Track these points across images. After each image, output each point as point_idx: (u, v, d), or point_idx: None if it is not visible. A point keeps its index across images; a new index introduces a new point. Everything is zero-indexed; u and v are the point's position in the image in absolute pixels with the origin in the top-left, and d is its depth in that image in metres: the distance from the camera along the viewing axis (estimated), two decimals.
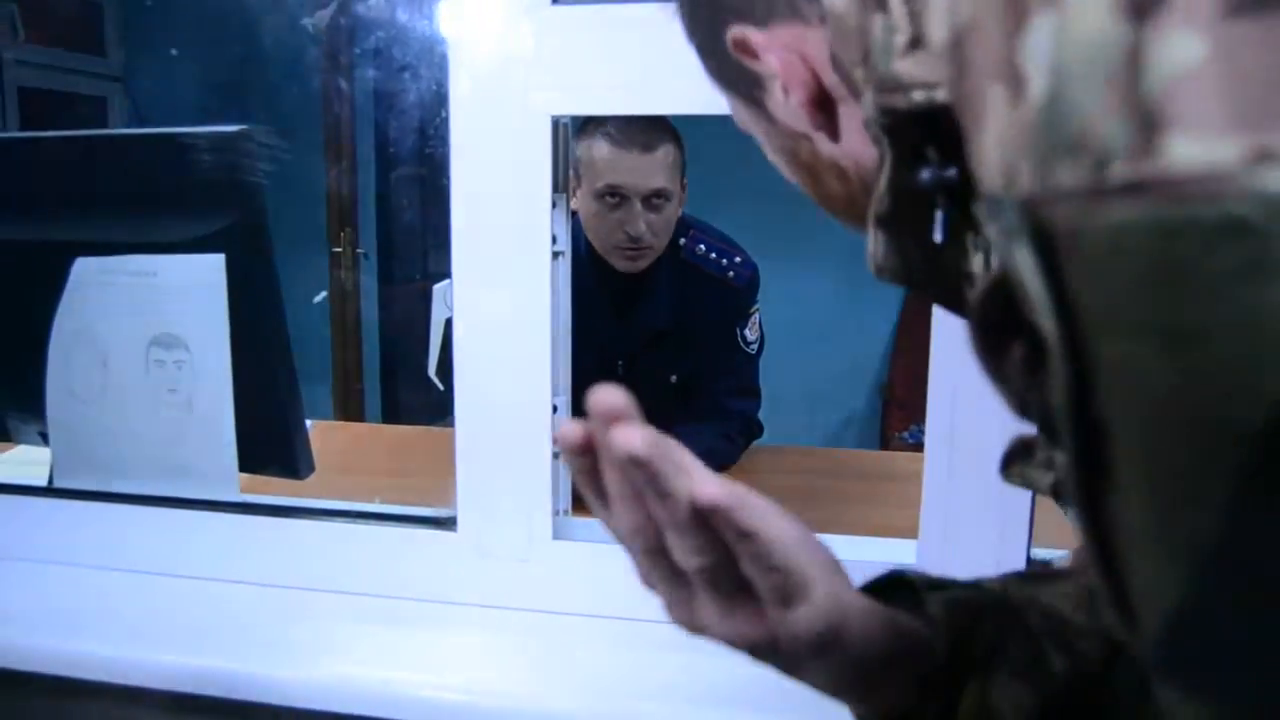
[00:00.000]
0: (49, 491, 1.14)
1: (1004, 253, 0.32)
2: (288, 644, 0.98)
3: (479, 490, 1.04)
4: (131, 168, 1.10)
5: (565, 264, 1.04)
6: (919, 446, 1.32)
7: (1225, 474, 0.26)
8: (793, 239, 2.80)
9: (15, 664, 0.98)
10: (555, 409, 1.04)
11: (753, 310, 1.97)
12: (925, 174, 0.44)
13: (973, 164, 0.36)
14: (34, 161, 1.15)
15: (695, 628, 0.46)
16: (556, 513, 1.04)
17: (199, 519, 1.10)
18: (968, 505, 0.95)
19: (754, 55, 0.51)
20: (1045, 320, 0.30)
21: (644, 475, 0.40)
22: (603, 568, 1.00)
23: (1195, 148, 0.25)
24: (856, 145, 0.51)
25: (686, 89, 0.86)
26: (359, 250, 3.25)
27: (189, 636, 0.99)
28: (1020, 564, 0.95)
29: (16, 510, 1.15)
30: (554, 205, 1.00)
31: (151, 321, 1.07)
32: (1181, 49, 0.26)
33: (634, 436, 0.39)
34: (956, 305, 0.50)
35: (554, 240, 1.00)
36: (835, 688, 0.48)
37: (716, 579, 0.43)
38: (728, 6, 0.52)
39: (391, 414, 2.62)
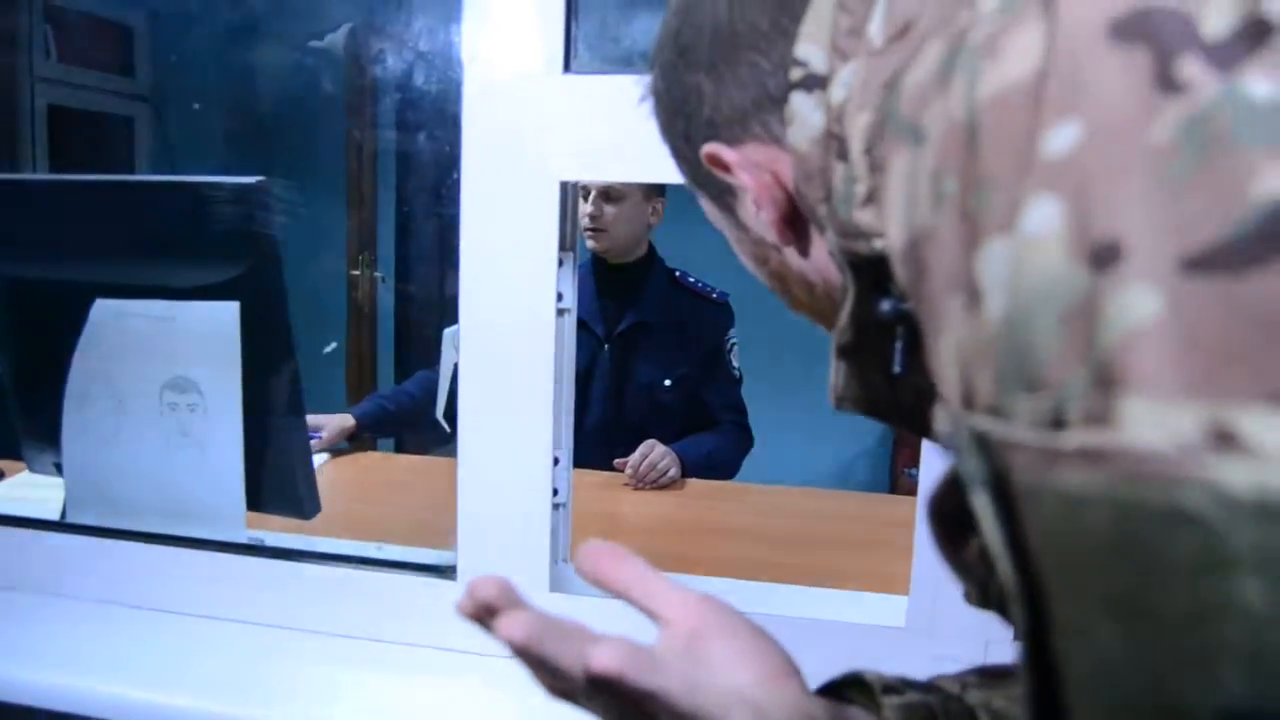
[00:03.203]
0: (61, 526, 1.17)
1: (962, 475, 0.32)
2: (287, 687, 1.00)
3: (479, 539, 1.06)
4: (152, 214, 1.13)
5: (570, 320, 1.07)
6: None
7: None
8: None
9: (20, 698, 1.00)
10: (556, 461, 1.06)
11: (732, 338, 2.29)
12: (885, 305, 0.45)
13: (931, 367, 0.36)
14: (58, 204, 1.18)
15: None
16: (555, 562, 1.06)
17: (205, 559, 1.12)
18: None
19: (727, 170, 0.51)
20: (1002, 566, 0.30)
21: (534, 659, 0.41)
22: (599, 619, 1.01)
23: (1151, 417, 0.25)
24: (824, 263, 0.51)
25: None
26: (378, 275, 3.30)
27: (192, 675, 1.02)
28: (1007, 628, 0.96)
29: (28, 543, 1.18)
30: (560, 264, 1.02)
31: (166, 365, 1.10)
32: (1138, 303, 0.26)
33: (515, 627, 0.40)
34: (918, 429, 0.51)
35: (559, 298, 1.03)
36: None
37: (629, 716, 0.43)
38: (702, 123, 0.53)
39: (402, 442, 2.67)
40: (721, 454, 2.21)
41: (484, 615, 0.41)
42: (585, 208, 2.14)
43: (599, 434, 2.15)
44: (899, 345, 0.46)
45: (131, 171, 3.43)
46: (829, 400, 0.50)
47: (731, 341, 2.29)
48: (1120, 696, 0.28)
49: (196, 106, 3.40)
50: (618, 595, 0.49)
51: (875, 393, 0.49)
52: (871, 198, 0.42)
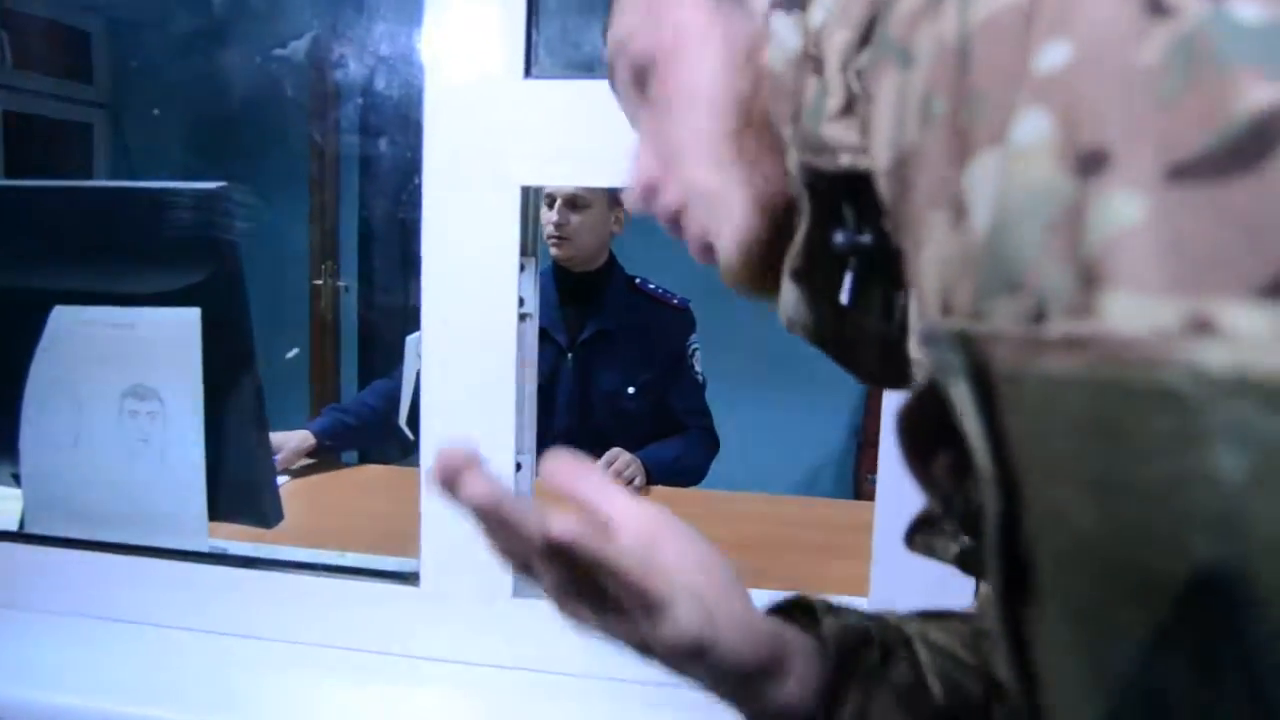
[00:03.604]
0: (19, 536, 1.16)
1: (939, 379, 0.33)
2: (250, 695, 1.00)
3: (442, 544, 1.06)
4: (112, 220, 1.13)
5: (532, 325, 1.07)
6: None
7: (1145, 621, 0.28)
8: None
9: None
10: (519, 466, 1.06)
11: (694, 343, 2.31)
12: (840, 237, 0.46)
13: (910, 282, 0.37)
14: (16, 210, 1.17)
15: (580, 624, 0.49)
16: None
17: (167, 568, 1.12)
18: (917, 563, 0.97)
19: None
20: (979, 455, 0.31)
21: (495, 520, 0.43)
22: (562, 624, 1.02)
23: (1133, 308, 0.27)
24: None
25: None
26: (340, 284, 3.29)
27: (155, 686, 1.01)
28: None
29: None
30: (521, 269, 1.03)
31: (126, 372, 1.09)
32: (1123, 208, 0.27)
33: (478, 489, 0.42)
34: (855, 367, 0.53)
35: (521, 303, 1.03)
36: (716, 690, 0.51)
37: (582, 591, 0.46)
38: None
39: (366, 453, 2.66)
40: (688, 459, 2.23)
41: (452, 481, 0.42)
42: (550, 215, 2.16)
43: (564, 443, 2.14)
44: (850, 276, 0.47)
45: (90, 178, 3.39)
46: (781, 321, 0.52)
47: (693, 347, 2.31)
48: (1093, 571, 0.29)
49: (156, 113, 3.37)
50: (578, 503, 0.53)
51: (822, 322, 0.50)
52: (844, 111, 0.43)
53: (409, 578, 1.07)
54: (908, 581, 0.98)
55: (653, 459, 2.08)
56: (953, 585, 0.96)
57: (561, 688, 1.02)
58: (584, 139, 0.98)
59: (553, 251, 2.21)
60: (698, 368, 2.31)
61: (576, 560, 0.42)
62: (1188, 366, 0.25)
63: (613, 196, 2.22)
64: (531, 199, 1.04)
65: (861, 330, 0.51)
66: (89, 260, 1.13)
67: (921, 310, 0.36)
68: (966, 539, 0.51)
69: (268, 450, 1.14)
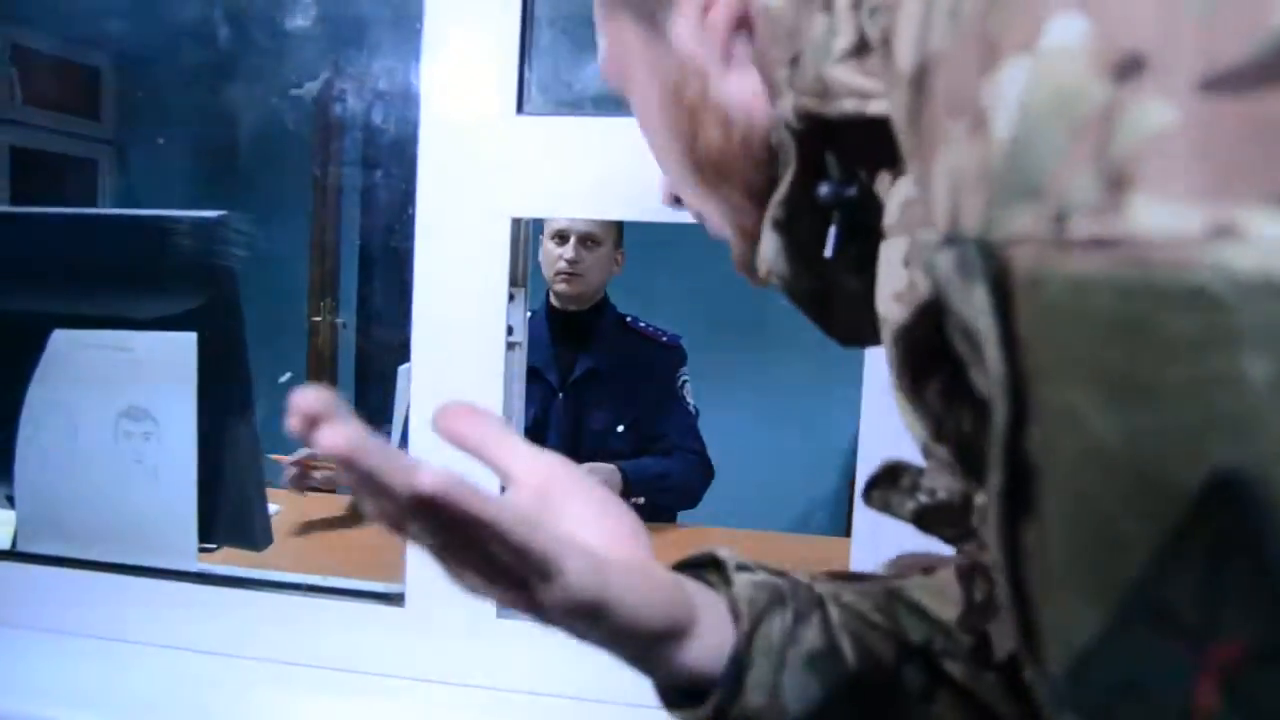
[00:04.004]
0: (12, 555, 1.17)
1: (948, 286, 0.32)
2: (237, 714, 1.01)
3: (427, 566, 1.07)
4: (114, 246, 1.15)
5: (521, 354, 1.10)
6: None
7: (1155, 528, 0.27)
8: (762, 326, 2.88)
9: None
10: (504, 490, 1.08)
11: (684, 374, 2.33)
12: (825, 189, 0.46)
13: (918, 190, 0.36)
14: (21, 236, 1.20)
15: (470, 591, 0.44)
16: None
17: (156, 587, 1.13)
18: None
19: None
20: (991, 357, 0.31)
21: (358, 473, 0.37)
22: (546, 646, 1.04)
23: (1161, 212, 0.26)
24: (749, 100, 0.50)
25: (640, 197, 0.93)
26: (339, 320, 3.31)
27: (143, 703, 1.02)
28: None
29: None
30: (511, 298, 1.05)
31: (122, 394, 1.11)
32: (1155, 114, 0.27)
33: (336, 436, 0.36)
34: (827, 323, 0.52)
35: (510, 331, 1.06)
36: (618, 653, 0.47)
37: (463, 555, 0.42)
38: None
39: None
40: (676, 478, 2.21)
41: (309, 429, 0.37)
42: (563, 251, 2.21)
43: None
44: (833, 230, 0.46)
45: None
46: (760, 271, 0.50)
47: (684, 378, 2.32)
48: (1106, 477, 0.29)
49: (161, 151, 3.41)
50: (470, 452, 0.48)
51: (799, 276, 0.49)
52: (854, 53, 0.42)
53: (394, 599, 1.09)
54: None
55: (635, 470, 2.09)
56: None
57: (546, 708, 1.04)
58: (574, 173, 1.01)
59: (559, 288, 2.24)
60: (689, 399, 2.32)
61: (451, 519, 0.37)
62: (1217, 268, 0.25)
63: (617, 238, 2.27)
64: (522, 231, 1.07)
65: (837, 285, 0.50)
66: (89, 285, 1.15)
67: (929, 221, 0.35)
68: (924, 497, 0.50)
69: (260, 474, 1.16)
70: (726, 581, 0.53)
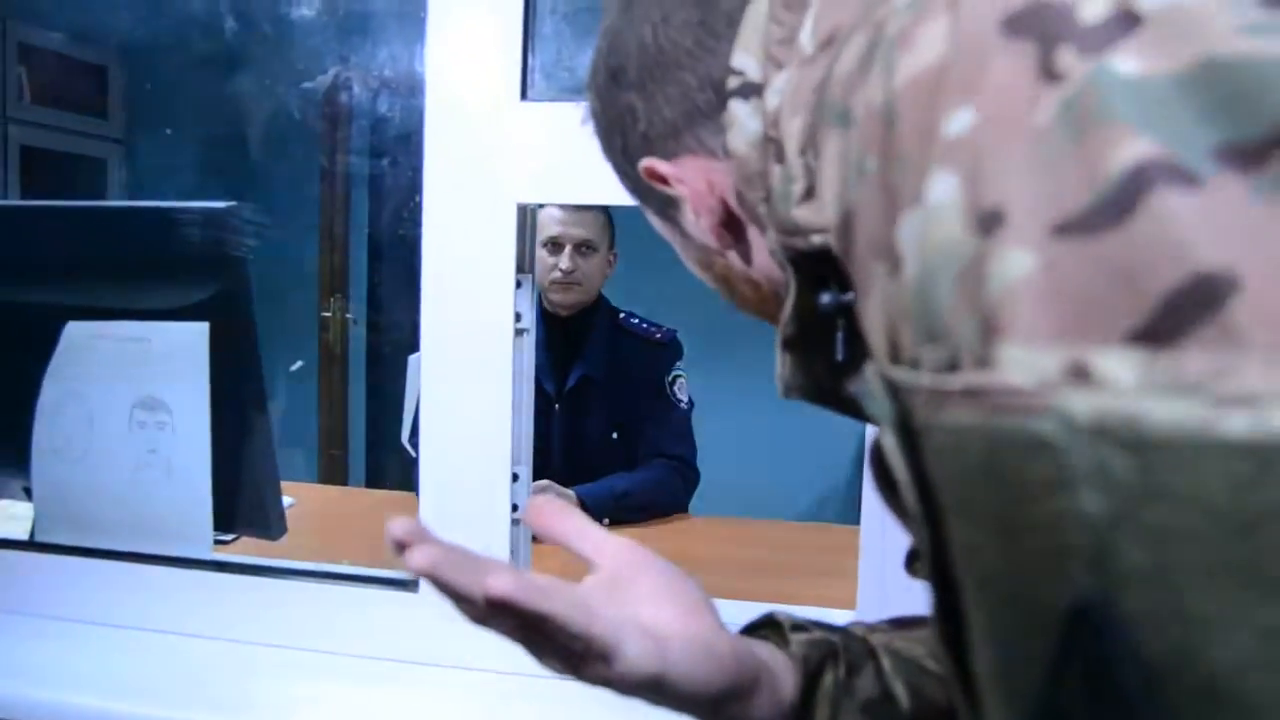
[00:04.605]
0: (30, 545, 1.19)
1: (876, 419, 0.36)
2: (252, 700, 1.02)
3: None
4: (125, 238, 1.17)
5: (529, 340, 1.10)
6: None
7: (1043, 646, 0.31)
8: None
9: None
10: (516, 477, 1.09)
11: (678, 371, 2.30)
12: (825, 298, 0.48)
13: (862, 328, 0.40)
14: (33, 229, 1.21)
15: (555, 671, 0.50)
16: None
17: (173, 575, 1.15)
18: (903, 579, 1.00)
19: (664, 182, 0.55)
20: (907, 496, 0.35)
21: (441, 585, 0.44)
22: None
23: (1022, 358, 0.29)
24: (765, 263, 0.54)
25: None
26: (348, 316, 3.32)
27: (160, 690, 1.03)
28: None
29: None
30: (518, 285, 1.06)
31: (136, 384, 1.12)
32: (1015, 263, 0.30)
33: (423, 559, 0.44)
34: (861, 416, 0.53)
35: (518, 318, 1.06)
36: (688, 712, 0.52)
37: (540, 641, 0.47)
38: (638, 139, 0.56)
39: (375, 479, 2.66)
40: (645, 494, 2.10)
41: (400, 552, 0.45)
42: (558, 261, 2.17)
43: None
44: (840, 335, 0.49)
45: None
46: (778, 390, 0.53)
47: (675, 375, 2.28)
48: (998, 598, 0.32)
49: (169, 148, 3.42)
50: (560, 545, 0.55)
51: (819, 381, 0.52)
52: (808, 195, 0.45)
53: (408, 584, 1.10)
54: (893, 600, 1.01)
55: (591, 494, 1.99)
56: None
57: (559, 693, 1.04)
58: (578, 158, 1.01)
59: (555, 297, 2.21)
60: (680, 395, 2.27)
61: (521, 616, 0.44)
62: (1057, 415, 0.28)
63: (609, 240, 2.25)
64: (529, 217, 1.08)
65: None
66: (102, 277, 1.17)
67: (872, 356, 0.39)
68: None
69: (273, 463, 1.17)
70: (784, 642, 0.58)
